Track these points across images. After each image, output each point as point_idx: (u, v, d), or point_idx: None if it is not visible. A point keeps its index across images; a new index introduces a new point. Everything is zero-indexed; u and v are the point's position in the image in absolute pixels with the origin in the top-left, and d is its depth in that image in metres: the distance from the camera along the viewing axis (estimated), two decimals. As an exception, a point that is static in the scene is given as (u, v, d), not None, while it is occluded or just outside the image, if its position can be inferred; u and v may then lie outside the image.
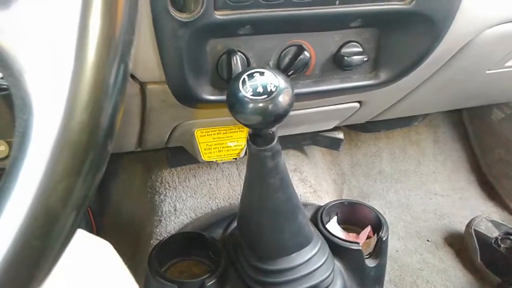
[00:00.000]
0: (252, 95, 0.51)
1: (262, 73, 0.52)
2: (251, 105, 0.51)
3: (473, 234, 1.17)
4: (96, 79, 0.26)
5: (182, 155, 0.99)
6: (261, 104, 0.51)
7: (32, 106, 0.25)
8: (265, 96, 0.51)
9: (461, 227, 1.23)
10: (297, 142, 1.19)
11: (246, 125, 0.55)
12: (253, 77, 0.52)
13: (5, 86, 0.49)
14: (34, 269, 0.26)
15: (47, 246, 0.26)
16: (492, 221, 1.18)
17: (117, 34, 0.27)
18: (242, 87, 0.52)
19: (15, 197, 0.25)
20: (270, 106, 0.51)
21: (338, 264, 0.84)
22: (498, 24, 0.72)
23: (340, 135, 1.16)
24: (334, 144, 1.17)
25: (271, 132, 0.58)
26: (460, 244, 1.22)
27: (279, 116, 0.53)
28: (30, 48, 0.26)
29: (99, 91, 0.26)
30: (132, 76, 0.60)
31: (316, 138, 1.16)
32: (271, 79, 0.52)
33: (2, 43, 0.26)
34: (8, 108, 0.50)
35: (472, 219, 1.19)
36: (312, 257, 0.74)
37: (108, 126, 0.27)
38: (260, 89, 0.51)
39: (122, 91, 0.27)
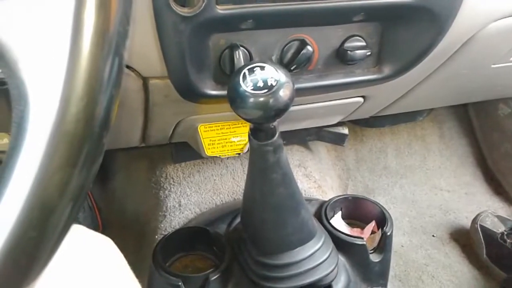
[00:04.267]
0: (253, 89, 0.51)
1: (262, 68, 0.52)
2: (251, 100, 0.51)
3: (479, 229, 1.16)
4: (91, 70, 0.26)
5: (187, 151, 0.99)
6: (261, 99, 0.51)
7: (27, 97, 0.25)
8: (265, 91, 0.51)
9: (467, 223, 1.23)
10: (301, 138, 1.19)
11: (247, 120, 0.55)
12: (253, 71, 0.52)
13: (3, 79, 0.50)
14: (31, 259, 0.26)
15: (44, 237, 0.26)
16: (498, 216, 1.18)
17: (111, 25, 0.27)
18: (243, 81, 0.52)
19: (12, 188, 0.25)
20: (271, 101, 0.51)
21: (342, 259, 0.84)
22: (503, 18, 0.71)
23: (344, 130, 1.16)
24: (338, 139, 1.17)
25: (272, 127, 0.58)
26: (465, 239, 1.22)
27: (280, 111, 0.52)
28: (25, 39, 0.26)
29: (94, 82, 0.26)
30: (135, 71, 0.60)
31: (320, 133, 1.16)
32: (271, 74, 0.52)
33: None
34: (7, 101, 0.51)
35: (478, 215, 1.19)
36: (315, 252, 0.74)
37: (103, 117, 0.27)
38: (260, 84, 0.51)
39: (117, 83, 0.28)
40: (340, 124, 1.10)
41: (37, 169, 0.25)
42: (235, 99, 0.52)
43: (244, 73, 0.52)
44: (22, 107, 0.25)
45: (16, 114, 0.26)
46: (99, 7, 0.26)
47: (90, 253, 0.46)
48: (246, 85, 0.52)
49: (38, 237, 0.26)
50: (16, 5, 0.26)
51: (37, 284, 0.27)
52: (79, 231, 0.48)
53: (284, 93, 0.52)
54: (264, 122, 0.56)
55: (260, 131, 0.59)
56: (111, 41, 0.27)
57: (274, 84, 0.51)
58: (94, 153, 0.27)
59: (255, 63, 0.53)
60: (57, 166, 0.25)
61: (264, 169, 0.63)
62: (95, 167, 0.28)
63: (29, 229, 0.25)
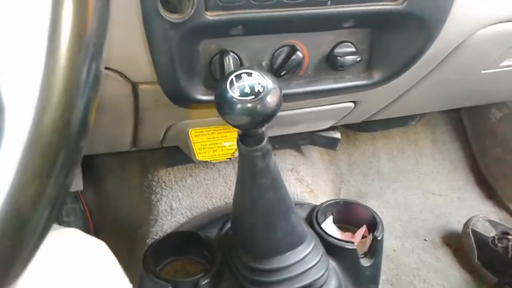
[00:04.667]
0: (240, 95, 0.51)
1: (249, 74, 0.53)
2: (239, 106, 0.51)
3: (471, 233, 1.17)
4: (67, 79, 0.26)
5: (179, 155, 0.99)
6: (249, 105, 0.51)
7: (2, 105, 0.25)
8: (252, 97, 0.51)
9: (459, 227, 1.23)
10: (294, 142, 1.19)
11: (235, 126, 0.55)
12: (240, 78, 0.52)
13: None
14: (7, 267, 0.26)
15: (19, 246, 0.26)
16: (490, 221, 1.18)
17: (89, 30, 0.26)
18: (230, 88, 0.52)
19: None
20: (258, 107, 0.51)
21: (333, 264, 0.84)
22: (491, 24, 0.71)
23: (337, 134, 1.16)
24: (331, 144, 1.17)
25: (260, 132, 0.58)
26: (457, 243, 1.22)
27: (267, 117, 0.53)
28: (0, 48, 0.26)
29: (70, 91, 0.26)
30: (124, 76, 0.60)
31: (313, 138, 1.16)
32: (258, 80, 0.52)
33: None
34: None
35: (470, 219, 1.19)
36: (305, 256, 0.74)
37: (79, 126, 0.27)
38: (247, 90, 0.52)
39: (93, 91, 0.27)
40: (332, 128, 1.10)
41: (11, 179, 0.25)
42: (223, 105, 0.53)
43: (232, 79, 0.52)
44: None
45: None
46: (76, 12, 0.26)
47: (84, 256, 0.46)
48: (233, 91, 0.52)
49: (13, 245, 0.26)
50: None
51: (27, 286, 0.27)
52: (74, 234, 0.48)
53: (271, 99, 0.52)
54: (251, 128, 0.56)
55: (248, 137, 0.59)
56: (88, 45, 0.26)
57: (261, 90, 0.52)
58: (70, 162, 0.27)
59: (242, 69, 0.53)
60: (32, 176, 0.25)
61: (253, 174, 0.63)
62: (71, 175, 0.28)
63: (3, 238, 0.25)
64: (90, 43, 0.26)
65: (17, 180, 0.25)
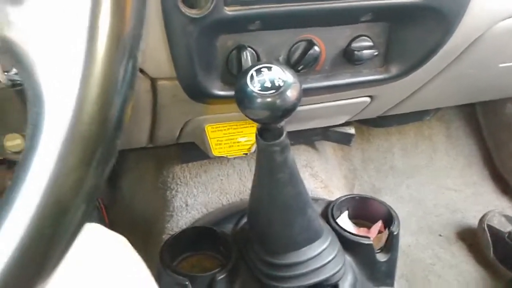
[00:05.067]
0: (260, 90, 0.52)
1: (269, 68, 0.53)
2: (259, 100, 0.52)
3: (486, 229, 1.16)
4: (106, 73, 0.26)
5: (194, 151, 0.99)
6: (269, 99, 0.52)
7: (43, 99, 0.26)
8: (273, 91, 0.52)
9: (474, 222, 1.22)
10: (308, 137, 1.19)
11: (255, 120, 0.56)
12: (260, 72, 0.52)
13: (20, 82, 0.51)
14: (45, 257, 0.27)
15: (58, 234, 0.27)
16: (506, 216, 1.17)
17: (126, 29, 0.27)
18: (250, 82, 0.52)
19: (27, 187, 0.26)
20: (278, 101, 0.52)
21: (349, 259, 0.84)
22: (510, 17, 0.71)
23: (351, 130, 1.16)
24: (345, 139, 1.17)
25: (279, 127, 0.58)
26: (472, 239, 1.21)
27: (287, 111, 0.53)
28: (41, 42, 0.26)
29: (109, 85, 0.27)
30: (143, 72, 0.60)
31: (327, 133, 1.16)
32: (278, 74, 0.52)
33: (15, 38, 0.27)
34: (23, 103, 0.51)
35: (485, 214, 1.18)
36: (322, 251, 0.74)
37: (117, 119, 0.27)
38: (268, 84, 0.52)
39: (131, 85, 0.28)
40: (346, 124, 1.10)
41: (52, 169, 0.26)
42: (243, 100, 0.53)
43: (252, 74, 0.53)
44: (37, 109, 0.26)
45: (32, 115, 0.26)
46: (114, 11, 0.26)
47: (106, 250, 0.47)
48: (254, 85, 0.52)
49: (52, 234, 0.26)
50: (33, 10, 0.26)
51: (52, 281, 0.28)
52: (96, 229, 0.48)
53: (291, 94, 0.52)
54: (271, 122, 0.56)
55: (267, 131, 0.59)
56: (126, 44, 0.27)
57: (281, 84, 0.52)
58: (108, 154, 0.28)
59: (262, 63, 0.54)
60: (72, 165, 0.26)
61: (271, 169, 0.64)
62: (108, 167, 0.28)
63: (44, 226, 0.26)
64: (128, 39, 0.27)
65: (59, 169, 0.26)
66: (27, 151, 0.26)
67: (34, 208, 0.26)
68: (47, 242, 0.26)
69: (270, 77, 0.52)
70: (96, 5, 0.26)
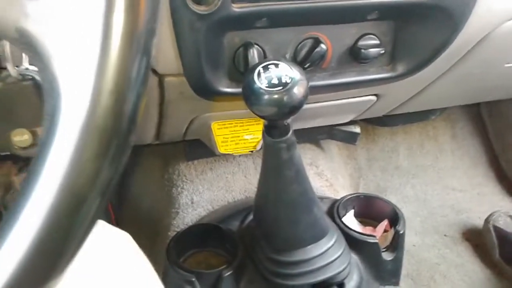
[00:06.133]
0: (267, 86, 0.52)
1: (277, 65, 0.53)
2: (266, 97, 0.52)
3: (492, 229, 1.15)
4: (120, 68, 0.27)
5: (199, 148, 1.00)
6: (276, 96, 0.52)
7: (59, 90, 0.26)
8: (280, 88, 0.52)
9: (479, 223, 1.22)
10: (313, 136, 1.19)
11: (261, 117, 0.56)
12: (268, 69, 0.53)
13: (31, 76, 0.51)
14: (62, 248, 0.27)
15: (74, 226, 0.27)
16: (511, 216, 1.17)
17: (140, 24, 0.27)
18: (257, 78, 0.52)
19: (45, 177, 0.26)
20: (285, 98, 0.52)
21: (354, 257, 0.84)
22: (517, 17, 0.71)
23: (356, 129, 1.15)
24: (350, 138, 1.17)
25: (286, 124, 0.58)
26: (478, 239, 1.21)
27: (294, 108, 0.53)
28: (58, 35, 0.27)
29: (124, 79, 0.27)
30: (151, 69, 0.61)
31: (332, 132, 1.16)
32: (286, 71, 0.52)
33: (32, 30, 0.27)
34: (34, 98, 0.52)
35: (491, 214, 1.18)
36: (328, 249, 0.75)
37: (131, 113, 0.28)
38: (275, 81, 0.52)
39: (144, 80, 0.28)
40: (352, 122, 1.10)
41: (69, 159, 0.26)
42: (250, 96, 0.53)
43: (259, 70, 0.53)
44: (54, 101, 0.26)
45: (48, 107, 0.27)
46: (130, 4, 0.27)
47: (110, 247, 0.47)
48: (261, 82, 0.52)
49: (69, 226, 0.27)
50: (49, 2, 0.27)
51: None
52: (100, 226, 0.49)
53: (298, 91, 0.52)
54: (278, 119, 0.57)
55: (274, 128, 0.59)
56: (140, 39, 0.27)
57: (288, 81, 0.52)
58: (122, 148, 0.28)
59: (269, 60, 0.54)
60: (89, 157, 0.26)
61: (277, 166, 0.64)
62: (122, 162, 0.29)
63: (61, 217, 0.26)
64: (142, 35, 0.27)
65: (75, 160, 0.26)
66: (45, 142, 0.26)
67: (51, 198, 0.26)
68: (64, 234, 0.27)
69: (277, 74, 0.52)
70: (111, 1, 0.26)
